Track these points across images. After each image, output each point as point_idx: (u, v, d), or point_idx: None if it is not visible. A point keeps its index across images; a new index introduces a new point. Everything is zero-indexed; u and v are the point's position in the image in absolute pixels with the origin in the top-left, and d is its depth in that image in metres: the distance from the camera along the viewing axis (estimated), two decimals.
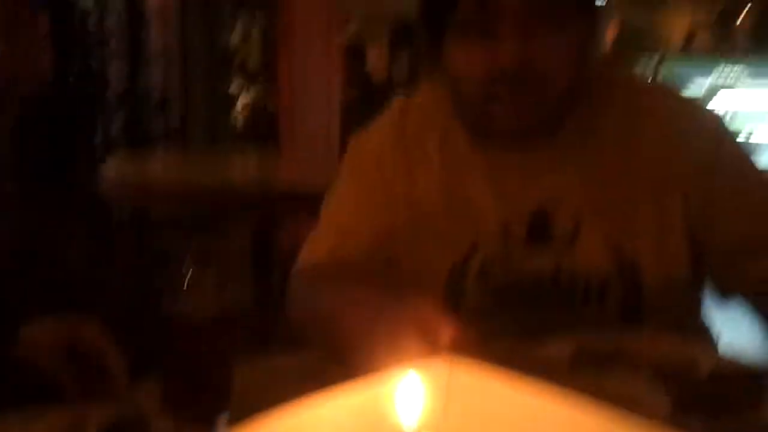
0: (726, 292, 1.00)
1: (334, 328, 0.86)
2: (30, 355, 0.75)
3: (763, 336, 0.93)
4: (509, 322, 0.98)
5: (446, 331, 0.70)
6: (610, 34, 6.69)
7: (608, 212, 0.98)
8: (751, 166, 1.00)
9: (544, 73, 0.91)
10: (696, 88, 5.52)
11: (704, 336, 1.06)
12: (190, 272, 0.74)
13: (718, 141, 1.00)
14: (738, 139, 1.03)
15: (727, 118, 0.97)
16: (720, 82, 5.39)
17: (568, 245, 0.98)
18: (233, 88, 5.69)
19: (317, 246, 1.05)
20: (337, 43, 3.91)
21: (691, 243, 0.98)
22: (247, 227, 2.73)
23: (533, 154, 1.00)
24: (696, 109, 1.05)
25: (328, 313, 0.90)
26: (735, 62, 5.69)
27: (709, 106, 1.07)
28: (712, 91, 5.41)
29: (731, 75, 5.41)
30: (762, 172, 1.00)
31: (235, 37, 5.64)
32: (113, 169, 2.28)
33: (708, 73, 5.48)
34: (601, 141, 1.00)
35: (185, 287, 0.73)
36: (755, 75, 5.45)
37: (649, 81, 1.15)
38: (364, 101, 6.09)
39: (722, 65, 5.61)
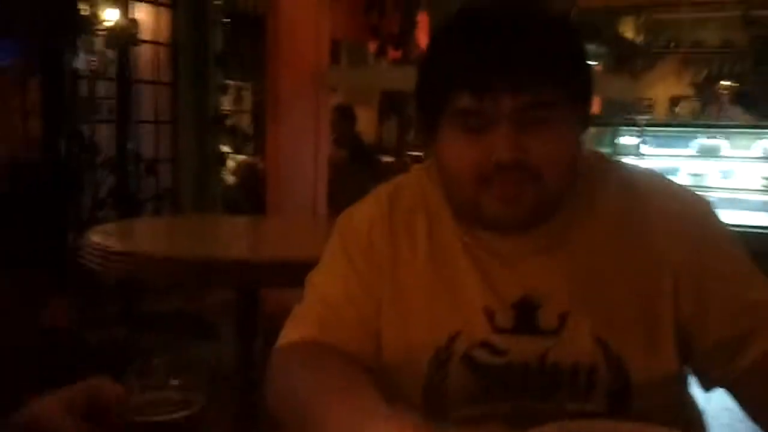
0: (710, 384, 0.99)
1: (310, 420, 0.83)
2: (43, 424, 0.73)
3: (752, 422, 0.92)
4: (494, 407, 0.97)
5: None
6: (596, 108, 6.84)
7: (595, 305, 0.97)
8: (740, 258, 0.99)
9: (539, 168, 0.91)
10: (679, 153, 5.62)
11: (693, 422, 1.05)
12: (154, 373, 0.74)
13: (709, 233, 0.99)
14: (727, 229, 1.02)
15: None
16: (702, 147, 5.48)
17: (553, 337, 0.96)
18: (224, 150, 5.74)
19: (303, 322, 1.04)
20: (324, 113, 3.98)
21: (679, 337, 0.97)
22: (231, 292, 2.73)
23: (521, 243, 0.99)
24: (686, 198, 1.04)
25: (306, 401, 0.88)
26: (717, 128, 5.80)
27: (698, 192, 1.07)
28: (697, 155, 5.49)
29: (713, 140, 5.50)
30: (750, 264, 0.99)
31: (227, 101, 5.72)
32: (99, 237, 2.27)
33: (691, 139, 5.58)
34: (589, 231, 0.99)
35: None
36: (736, 141, 5.55)
37: (637, 168, 1.15)
38: (353, 161, 6.16)
39: (704, 131, 5.72)
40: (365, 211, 1.08)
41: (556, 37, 0.93)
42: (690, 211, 1.01)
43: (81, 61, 4.43)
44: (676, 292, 0.96)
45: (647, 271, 0.97)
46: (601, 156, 1.09)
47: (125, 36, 4.77)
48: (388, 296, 1.02)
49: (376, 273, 1.03)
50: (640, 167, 1.14)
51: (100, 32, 4.63)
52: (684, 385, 1.03)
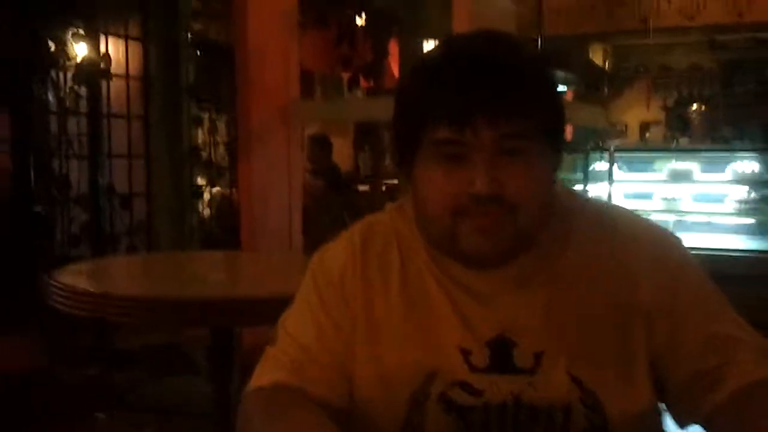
0: (684, 420, 0.99)
1: None
2: None
3: None
4: None
5: None
6: (568, 135, 6.91)
7: (570, 342, 0.97)
8: (710, 294, 1.00)
9: (514, 202, 0.92)
10: (651, 177, 5.67)
11: None
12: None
13: (679, 269, 1.00)
14: (696, 266, 1.02)
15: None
16: (674, 171, 5.53)
17: (529, 376, 0.96)
18: (200, 183, 5.70)
19: (275, 365, 1.02)
20: (296, 145, 3.97)
21: (653, 373, 0.97)
22: (203, 331, 2.69)
23: (496, 280, 0.99)
24: (657, 235, 1.05)
25: None
26: (688, 152, 5.88)
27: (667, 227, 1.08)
28: (668, 180, 5.54)
29: (684, 164, 5.56)
30: (720, 299, 1.00)
31: (201, 133, 5.69)
32: (68, 277, 2.24)
33: (662, 163, 5.64)
34: (564, 267, 1.00)
35: None
36: (707, 164, 5.61)
37: (609, 206, 1.16)
38: (330, 190, 6.16)
39: (675, 155, 5.78)
40: (338, 252, 1.07)
41: (532, 71, 0.95)
42: (660, 248, 1.02)
43: (51, 97, 4.40)
44: (649, 326, 0.97)
45: (620, 305, 0.97)
46: (573, 193, 1.11)
47: (95, 70, 4.74)
48: (362, 338, 1.01)
49: (349, 315, 1.02)
50: (612, 204, 1.16)
51: (70, 67, 4.60)
52: (660, 421, 1.03)
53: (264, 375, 1.02)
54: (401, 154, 1.00)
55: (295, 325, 1.04)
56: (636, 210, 4.40)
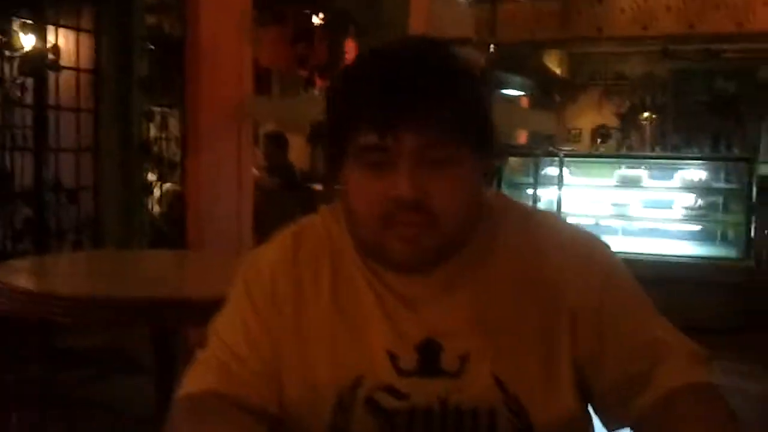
0: (612, 425, 1.00)
1: None
2: None
3: None
4: None
5: None
6: (522, 139, 6.98)
7: (495, 345, 0.97)
8: (638, 298, 1.01)
9: (436, 214, 0.92)
10: (601, 183, 5.76)
11: None
12: None
13: (605, 272, 1.01)
14: (624, 269, 1.03)
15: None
16: (624, 177, 5.62)
17: (454, 379, 0.97)
18: (150, 179, 5.60)
19: (204, 371, 1.01)
20: (247, 143, 3.93)
21: (578, 377, 0.98)
22: (148, 330, 2.64)
23: (424, 285, 0.99)
24: (583, 238, 1.06)
25: None
26: (638, 158, 5.98)
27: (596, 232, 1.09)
28: (619, 185, 5.63)
29: (634, 170, 5.65)
30: (648, 304, 1.01)
31: (153, 127, 5.59)
32: (5, 274, 2.17)
33: (613, 168, 5.72)
34: (490, 270, 1.01)
35: None
36: (657, 171, 5.71)
37: (536, 209, 1.17)
38: (285, 189, 6.11)
39: (626, 161, 5.88)
40: (269, 255, 1.07)
41: (459, 78, 0.94)
42: (586, 253, 1.03)
43: None
44: (574, 331, 0.97)
45: (545, 309, 0.98)
46: (502, 196, 1.11)
47: (41, 62, 4.63)
48: (291, 341, 1.01)
49: (279, 319, 1.01)
50: (540, 210, 1.18)
51: (16, 58, 4.48)
52: (589, 426, 1.03)
53: (194, 381, 1.00)
54: (330, 160, 0.99)
55: (226, 329, 1.03)
56: (585, 215, 4.47)
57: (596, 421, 1.02)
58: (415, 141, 0.90)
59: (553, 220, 1.10)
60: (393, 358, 0.98)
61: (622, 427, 0.98)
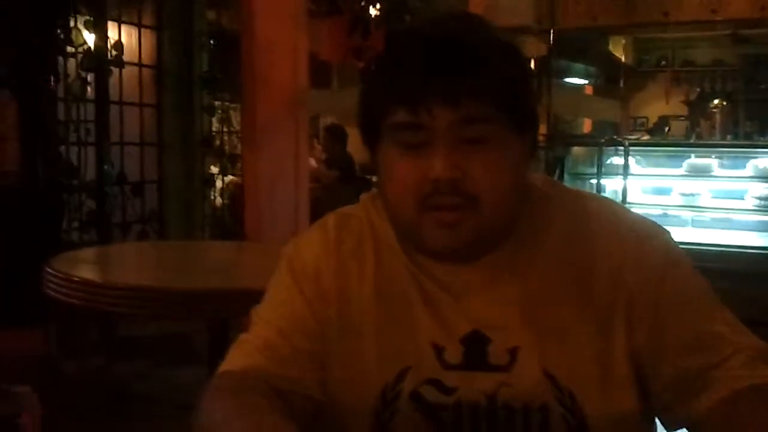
0: (673, 424, 0.93)
1: None
2: None
3: None
4: None
5: None
6: (586, 127, 6.82)
7: (545, 338, 0.92)
8: (700, 290, 0.94)
9: (476, 193, 0.88)
10: (669, 172, 5.58)
11: None
12: None
13: (665, 262, 0.94)
14: (685, 259, 0.96)
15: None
16: (693, 166, 5.43)
17: (504, 373, 0.92)
18: (212, 171, 5.69)
19: (248, 349, 0.98)
20: (304, 136, 3.92)
21: (635, 372, 0.92)
22: (206, 322, 2.66)
23: (470, 274, 0.95)
24: (641, 225, 0.99)
25: None
26: (707, 147, 5.77)
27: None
28: (687, 175, 5.44)
29: (704, 159, 5.45)
30: (711, 296, 0.94)
31: (215, 122, 5.68)
32: (64, 265, 2.21)
33: (681, 158, 5.53)
34: (540, 260, 0.95)
35: None
36: (728, 160, 5.50)
37: (589, 194, 1.10)
38: (343, 181, 6.12)
39: (695, 150, 5.67)
40: (312, 241, 1.03)
41: (494, 52, 0.90)
42: (645, 242, 0.96)
43: (59, 84, 4.39)
44: (629, 322, 0.92)
45: (600, 300, 0.93)
46: (550, 181, 1.05)
47: (104, 58, 4.72)
48: (336, 330, 0.98)
49: (324, 304, 0.99)
50: (594, 194, 1.10)
51: (80, 54, 4.58)
52: (649, 425, 0.98)
53: (234, 359, 0.97)
54: (367, 143, 0.96)
55: (269, 310, 1.01)
56: (653, 204, 4.31)
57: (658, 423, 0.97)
58: (450, 117, 0.86)
59: (608, 205, 1.03)
60: (438, 350, 0.94)
61: (683, 427, 0.91)
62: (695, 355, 0.89)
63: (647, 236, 0.97)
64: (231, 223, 5.57)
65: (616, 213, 1.01)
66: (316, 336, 0.98)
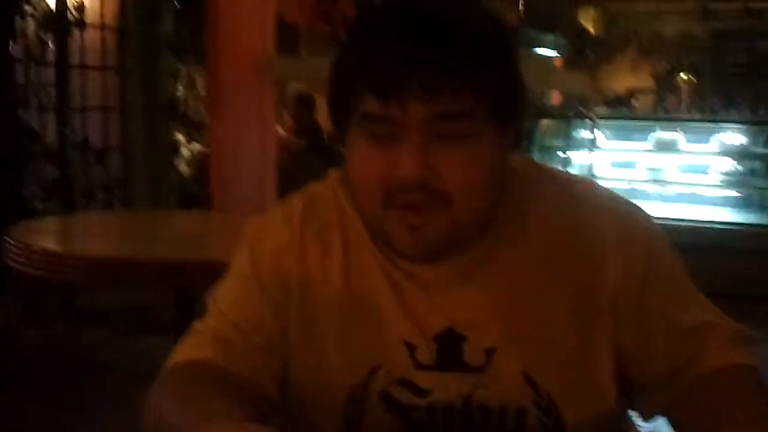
0: (649, 413, 0.92)
1: None
2: None
3: None
4: None
5: None
6: (554, 100, 6.81)
7: (524, 338, 0.88)
8: (681, 278, 0.92)
9: (448, 191, 0.80)
10: (636, 146, 5.61)
11: None
12: None
13: (651, 253, 0.90)
14: (667, 246, 0.93)
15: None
16: (659, 141, 5.47)
17: (479, 374, 0.88)
18: (178, 139, 5.58)
19: (200, 341, 0.91)
20: (269, 103, 3.84)
21: (618, 369, 0.89)
22: (170, 292, 2.62)
23: (444, 269, 0.89)
24: (627, 214, 0.94)
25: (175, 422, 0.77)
26: (674, 122, 5.80)
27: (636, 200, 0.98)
28: (654, 149, 5.48)
29: (670, 134, 5.49)
30: (687, 281, 0.92)
31: (180, 87, 5.55)
32: (23, 234, 2.15)
33: (648, 132, 5.56)
34: (521, 253, 0.89)
35: None
36: (694, 135, 5.55)
37: (574, 178, 1.04)
38: (311, 150, 6.05)
39: (662, 125, 5.71)
40: (275, 230, 0.95)
41: (481, 39, 0.80)
42: (628, 225, 0.92)
43: (16, 46, 4.25)
44: (616, 319, 0.88)
45: (583, 294, 0.88)
46: (532, 163, 0.98)
47: (64, 18, 4.57)
48: (298, 326, 0.92)
49: (284, 297, 0.92)
50: (575, 177, 1.05)
51: (38, 15, 4.43)
52: (623, 418, 0.96)
53: (184, 351, 0.91)
54: (335, 126, 0.88)
55: (226, 299, 0.93)
56: (619, 179, 4.33)
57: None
58: (424, 113, 0.78)
59: (591, 190, 0.97)
60: (410, 349, 0.89)
61: (659, 414, 0.90)
62: (681, 348, 0.87)
63: (629, 220, 0.93)
64: (198, 193, 5.49)
65: (597, 196, 0.96)
66: (273, 334, 0.91)
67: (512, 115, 0.85)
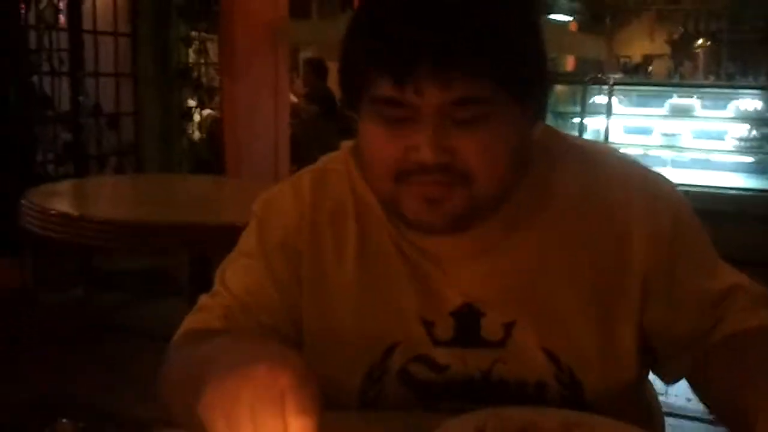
0: (671, 378, 0.92)
1: (192, 383, 0.69)
2: None
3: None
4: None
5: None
6: (570, 65, 6.74)
7: (544, 312, 0.87)
8: (707, 244, 0.91)
9: (468, 170, 0.78)
10: (651, 112, 5.56)
11: (651, 420, 0.98)
12: None
13: (679, 223, 0.89)
14: (693, 213, 0.91)
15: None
16: (675, 106, 5.41)
17: (498, 349, 0.87)
18: (190, 104, 5.58)
19: (207, 315, 0.91)
20: (284, 68, 3.81)
21: (642, 340, 0.88)
22: (186, 255, 2.63)
23: (461, 244, 0.87)
24: (650, 179, 0.92)
25: (190, 367, 0.75)
26: (690, 87, 5.74)
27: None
28: (669, 115, 5.43)
29: (686, 100, 5.44)
30: (712, 247, 0.90)
31: (192, 53, 5.54)
32: (40, 197, 2.16)
33: (664, 98, 5.51)
34: (542, 226, 0.88)
35: None
36: (710, 100, 5.49)
37: (598, 147, 0.99)
38: (323, 116, 6.03)
39: (677, 91, 5.65)
40: (284, 208, 0.93)
41: (500, 21, 0.76)
42: (654, 195, 0.90)
43: (29, 11, 4.23)
44: (645, 292, 0.87)
45: (607, 269, 0.87)
46: (554, 133, 0.94)
47: None
48: (312, 305, 0.91)
49: (294, 277, 0.90)
50: (599, 145, 1.02)
51: None
52: (643, 386, 0.96)
53: (192, 323, 0.91)
54: (348, 104, 0.85)
55: (233, 277, 0.92)
56: (634, 144, 4.29)
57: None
58: (440, 98, 0.75)
59: (614, 159, 0.94)
60: (427, 325, 0.88)
61: (681, 379, 0.90)
62: (708, 311, 0.86)
63: (656, 190, 0.91)
64: (209, 158, 5.49)
65: (622, 166, 0.93)
66: (280, 313, 0.90)
67: (534, 93, 0.82)
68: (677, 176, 5.05)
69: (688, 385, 0.88)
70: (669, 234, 0.87)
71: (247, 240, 0.94)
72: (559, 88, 5.53)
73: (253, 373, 0.60)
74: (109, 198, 2.62)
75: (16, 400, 2.57)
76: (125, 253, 3.91)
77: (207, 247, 2.14)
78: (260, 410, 0.58)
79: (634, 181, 0.90)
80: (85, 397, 2.68)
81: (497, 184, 0.80)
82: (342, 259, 0.91)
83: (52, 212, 2.10)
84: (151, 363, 0.90)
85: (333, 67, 6.37)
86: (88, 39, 4.70)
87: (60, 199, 2.35)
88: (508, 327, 0.87)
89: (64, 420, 0.87)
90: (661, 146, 5.44)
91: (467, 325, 0.87)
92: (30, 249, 3.74)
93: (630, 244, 0.87)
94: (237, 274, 0.92)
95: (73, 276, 4.02)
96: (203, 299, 0.93)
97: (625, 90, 5.68)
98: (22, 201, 2.16)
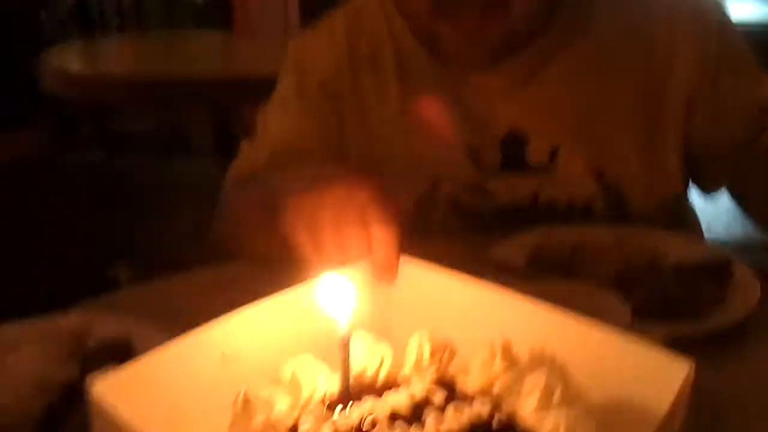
0: (713, 188, 0.94)
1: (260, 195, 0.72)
2: None
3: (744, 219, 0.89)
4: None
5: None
6: None
7: (590, 135, 0.88)
8: (749, 56, 0.91)
9: None
10: None
11: (691, 229, 1.01)
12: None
13: (723, 34, 0.89)
14: (734, 26, 0.91)
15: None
16: None
17: (545, 173, 0.89)
18: None
19: (250, 160, 0.93)
20: None
21: (687, 154, 0.90)
22: (205, 112, 2.63)
23: (504, 73, 0.87)
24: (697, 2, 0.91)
25: (260, 194, 0.77)
26: None
27: None
28: None
29: None
30: (753, 59, 0.90)
31: None
32: (58, 59, 2.14)
33: None
34: (584, 50, 0.88)
35: None
36: None
37: None
38: None
39: None
40: (319, 46, 0.93)
41: None
42: (705, 20, 0.89)
43: None
44: (691, 105, 0.88)
45: (652, 88, 0.88)
46: None
47: None
48: (357, 143, 0.93)
49: (336, 120, 0.92)
50: None
51: None
52: (685, 197, 0.98)
53: (242, 166, 0.93)
54: None
55: (275, 123, 0.94)
56: None
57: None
58: None
59: None
60: (473, 153, 0.90)
61: (724, 185, 0.92)
62: (750, 123, 0.87)
63: (701, 18, 0.90)
64: (215, 15, 5.33)
65: None
66: (325, 156, 0.91)
67: None
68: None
69: (729, 196, 0.91)
70: (715, 52, 0.88)
71: (285, 86, 0.95)
72: None
73: (334, 188, 0.60)
74: (122, 56, 2.59)
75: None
76: (140, 112, 3.88)
77: (227, 99, 2.13)
78: (344, 218, 0.58)
79: (681, 8, 0.90)
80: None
81: (535, 8, 0.80)
82: (384, 97, 0.92)
83: (71, 72, 2.08)
84: (179, 218, 0.92)
85: None
86: None
87: (77, 59, 2.33)
88: (553, 151, 0.89)
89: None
90: None
91: (513, 151, 0.89)
92: (47, 116, 3.72)
93: (674, 68, 0.87)
94: (278, 120, 0.94)
95: (92, 139, 4.01)
96: (244, 145, 0.95)
97: None
98: (39, 65, 2.13)
